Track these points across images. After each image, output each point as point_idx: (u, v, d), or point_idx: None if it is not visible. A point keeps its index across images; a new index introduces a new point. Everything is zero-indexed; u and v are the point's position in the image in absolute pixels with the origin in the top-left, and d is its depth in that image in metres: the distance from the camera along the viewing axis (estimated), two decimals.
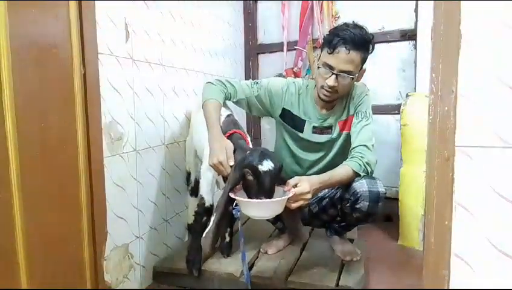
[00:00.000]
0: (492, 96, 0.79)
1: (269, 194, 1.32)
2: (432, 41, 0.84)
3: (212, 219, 1.37)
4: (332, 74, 1.59)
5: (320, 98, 1.70)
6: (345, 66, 1.57)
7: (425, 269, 0.87)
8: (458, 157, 0.81)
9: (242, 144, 1.51)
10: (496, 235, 0.80)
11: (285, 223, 1.83)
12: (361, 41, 1.57)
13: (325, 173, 1.57)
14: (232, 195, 1.33)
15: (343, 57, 1.56)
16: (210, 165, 1.44)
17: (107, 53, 1.50)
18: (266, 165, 1.30)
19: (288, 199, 1.35)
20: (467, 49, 0.80)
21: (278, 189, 1.39)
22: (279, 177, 1.38)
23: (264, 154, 1.34)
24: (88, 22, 1.37)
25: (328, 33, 1.66)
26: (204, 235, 1.37)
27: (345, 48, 1.55)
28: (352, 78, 1.62)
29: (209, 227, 1.36)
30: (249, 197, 1.34)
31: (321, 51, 1.68)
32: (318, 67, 1.65)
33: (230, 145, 1.45)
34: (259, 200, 1.31)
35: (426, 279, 0.87)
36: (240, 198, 1.33)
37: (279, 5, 2.92)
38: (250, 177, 1.32)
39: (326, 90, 1.63)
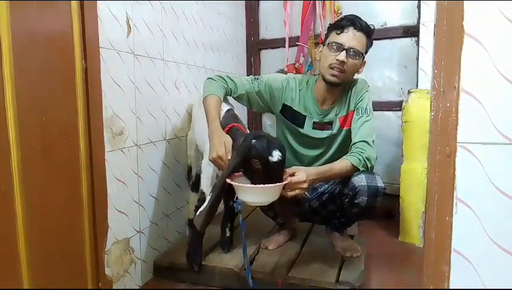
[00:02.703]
0: (495, 92, 0.79)
1: (278, 182, 1.34)
2: (435, 37, 0.84)
3: (208, 199, 1.39)
4: (343, 49, 1.62)
5: (327, 81, 1.70)
6: (354, 43, 1.62)
7: (425, 264, 0.87)
8: (460, 153, 0.81)
9: (241, 134, 1.52)
10: (497, 231, 0.80)
11: (276, 209, 1.88)
12: (366, 27, 1.65)
13: (323, 165, 1.60)
14: (228, 180, 1.34)
15: (352, 35, 1.63)
16: (210, 160, 1.45)
17: (108, 47, 1.49)
18: (276, 156, 1.32)
19: (284, 187, 1.37)
20: (470, 45, 0.80)
21: None
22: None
23: (271, 143, 1.35)
24: (90, 16, 1.37)
25: (336, 20, 1.73)
26: (197, 213, 1.39)
27: (353, 27, 1.62)
28: (361, 54, 1.65)
29: (203, 206, 1.38)
30: (255, 183, 1.35)
31: (325, 39, 1.72)
32: (328, 43, 1.66)
33: (228, 139, 1.46)
34: (254, 186, 1.33)
35: (426, 275, 0.88)
36: (236, 183, 1.34)
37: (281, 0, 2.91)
38: (259, 166, 1.34)
39: (336, 68, 1.64)
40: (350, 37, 1.62)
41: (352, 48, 1.62)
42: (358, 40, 1.63)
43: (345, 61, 1.62)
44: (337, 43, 1.63)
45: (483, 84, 0.79)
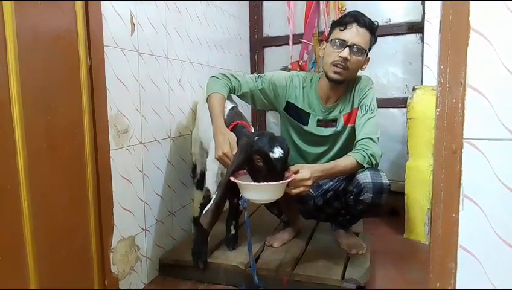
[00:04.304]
0: (501, 88, 0.78)
1: (279, 179, 1.34)
2: (440, 32, 0.84)
3: (213, 198, 1.40)
4: (346, 45, 1.61)
5: (330, 78, 1.69)
6: (358, 39, 1.62)
7: (431, 261, 0.87)
8: (466, 149, 0.81)
9: (245, 132, 1.53)
10: (504, 228, 0.80)
11: (281, 208, 1.88)
12: (370, 23, 1.64)
13: (328, 163, 1.60)
14: (232, 178, 1.34)
15: (355, 31, 1.62)
16: (216, 158, 1.45)
17: (112, 45, 1.49)
18: (277, 152, 1.32)
19: (288, 184, 1.37)
20: (476, 40, 0.79)
21: None
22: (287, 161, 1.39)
23: (274, 140, 1.35)
24: (94, 15, 1.37)
25: (340, 16, 1.72)
26: (203, 213, 1.40)
27: (357, 23, 1.62)
28: (364, 51, 1.64)
29: (209, 206, 1.39)
30: (257, 181, 1.36)
31: (328, 36, 1.72)
32: (331, 40, 1.66)
33: (233, 137, 1.46)
34: (258, 184, 1.33)
35: (433, 272, 0.87)
36: (239, 181, 1.34)
37: None
38: (260, 163, 1.34)
39: (339, 65, 1.63)
40: (353, 34, 1.61)
41: (356, 45, 1.61)
42: (362, 36, 1.62)
43: (348, 58, 1.61)
44: (340, 39, 1.62)
45: (489, 80, 0.79)
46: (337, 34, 1.64)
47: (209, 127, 1.58)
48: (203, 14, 2.24)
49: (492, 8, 0.78)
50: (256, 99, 1.80)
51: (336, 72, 1.65)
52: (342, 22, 1.64)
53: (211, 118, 1.57)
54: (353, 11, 1.67)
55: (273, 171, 1.34)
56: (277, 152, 1.32)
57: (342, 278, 1.60)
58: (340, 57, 1.61)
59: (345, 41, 1.61)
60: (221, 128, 1.50)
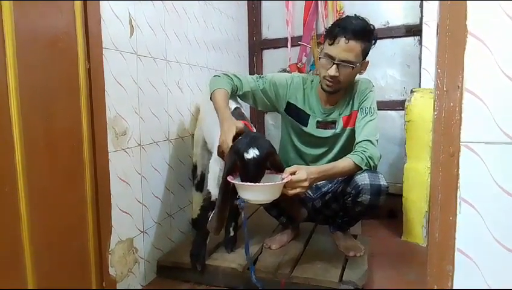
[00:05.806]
0: (498, 91, 0.79)
1: (253, 181, 1.33)
2: (438, 36, 0.84)
3: (216, 203, 1.42)
4: (333, 63, 1.60)
5: (323, 89, 1.70)
6: (345, 55, 1.58)
7: (429, 264, 0.87)
8: (463, 153, 0.81)
9: (246, 130, 1.52)
10: (500, 231, 0.80)
11: (284, 206, 1.84)
12: (361, 32, 1.58)
13: (325, 164, 1.60)
14: (229, 178, 1.35)
15: (342, 47, 1.57)
16: (219, 144, 1.46)
17: (111, 48, 1.50)
18: (251, 153, 1.31)
19: (285, 186, 1.37)
20: (473, 44, 0.80)
21: (276, 176, 1.42)
22: (265, 164, 1.38)
23: (253, 141, 1.34)
24: (93, 17, 1.38)
25: (330, 25, 1.67)
26: (209, 219, 1.41)
27: (344, 37, 1.56)
28: (353, 67, 1.61)
29: (213, 211, 1.40)
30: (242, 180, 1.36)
31: (323, 43, 1.70)
32: (319, 58, 1.67)
33: (240, 125, 1.46)
34: (253, 184, 1.32)
35: (430, 275, 0.88)
36: (235, 181, 1.34)
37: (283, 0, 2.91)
38: (238, 163, 1.34)
39: (328, 81, 1.64)
40: (340, 50, 1.57)
41: (344, 61, 1.58)
42: (351, 49, 1.57)
43: (336, 75, 1.60)
44: (328, 55, 1.61)
45: (486, 83, 0.79)
46: (327, 48, 1.62)
47: (213, 126, 1.58)
48: (202, 16, 2.24)
49: (489, 13, 0.78)
50: (257, 100, 1.81)
51: (327, 85, 1.67)
52: (332, 34, 1.59)
53: (216, 111, 1.56)
54: (344, 18, 1.63)
55: (246, 171, 1.33)
56: (251, 153, 1.31)
57: (339, 280, 1.60)
58: (329, 74, 1.61)
59: (332, 57, 1.59)
60: (227, 117, 1.50)
